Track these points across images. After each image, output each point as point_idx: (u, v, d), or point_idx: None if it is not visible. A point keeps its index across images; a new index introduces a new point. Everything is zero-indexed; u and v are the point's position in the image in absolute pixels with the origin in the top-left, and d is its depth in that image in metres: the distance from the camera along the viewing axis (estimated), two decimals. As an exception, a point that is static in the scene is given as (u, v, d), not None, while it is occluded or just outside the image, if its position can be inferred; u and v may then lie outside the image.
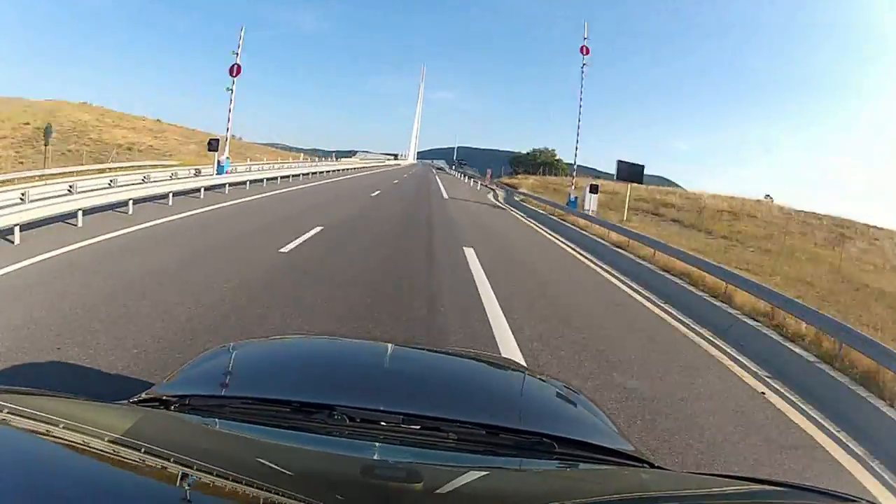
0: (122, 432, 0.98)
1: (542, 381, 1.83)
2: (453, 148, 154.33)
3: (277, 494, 0.80)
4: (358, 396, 1.26)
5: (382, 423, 1.15)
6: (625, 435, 1.42)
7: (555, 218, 19.14)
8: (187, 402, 1.18)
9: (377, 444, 1.12)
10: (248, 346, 1.87)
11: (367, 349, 1.95)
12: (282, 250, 8.13)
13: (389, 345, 1.84)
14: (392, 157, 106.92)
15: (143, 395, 1.25)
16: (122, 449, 0.90)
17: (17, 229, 7.15)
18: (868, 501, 1.15)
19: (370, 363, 1.67)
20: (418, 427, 1.15)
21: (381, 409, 1.18)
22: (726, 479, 1.37)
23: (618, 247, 12.66)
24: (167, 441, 1.03)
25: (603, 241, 13.48)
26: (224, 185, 16.45)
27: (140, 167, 20.49)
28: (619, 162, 21.71)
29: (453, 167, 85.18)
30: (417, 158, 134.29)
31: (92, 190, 10.01)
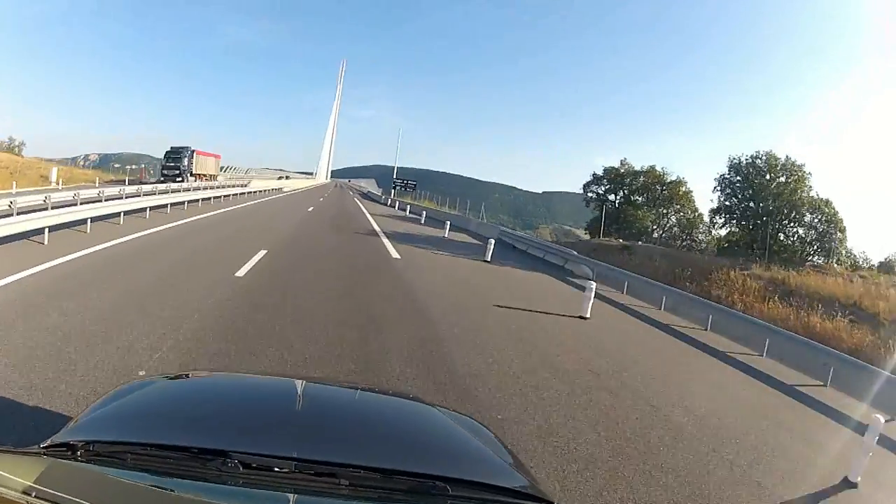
0: (23, 489, 0.99)
1: (447, 416, 1.78)
2: (389, 167, 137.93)
3: None
4: (256, 440, 1.27)
5: (276, 470, 1.15)
6: (528, 472, 1.46)
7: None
8: (92, 448, 1.19)
9: (268, 492, 1.13)
10: (158, 383, 1.84)
11: (276, 387, 1.91)
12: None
13: (300, 381, 1.88)
14: (305, 176, 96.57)
15: (51, 441, 1.25)
16: None
17: None
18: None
19: (275, 403, 1.64)
20: (312, 473, 1.16)
21: (277, 454, 1.18)
22: None
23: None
24: (69, 496, 1.01)
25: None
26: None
27: None
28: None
29: (392, 192, 58.40)
30: (332, 177, 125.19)
31: None
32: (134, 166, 53.65)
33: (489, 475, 1.28)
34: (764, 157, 24.75)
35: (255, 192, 37.35)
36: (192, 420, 1.40)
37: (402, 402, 1.99)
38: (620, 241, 26.40)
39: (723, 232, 27.32)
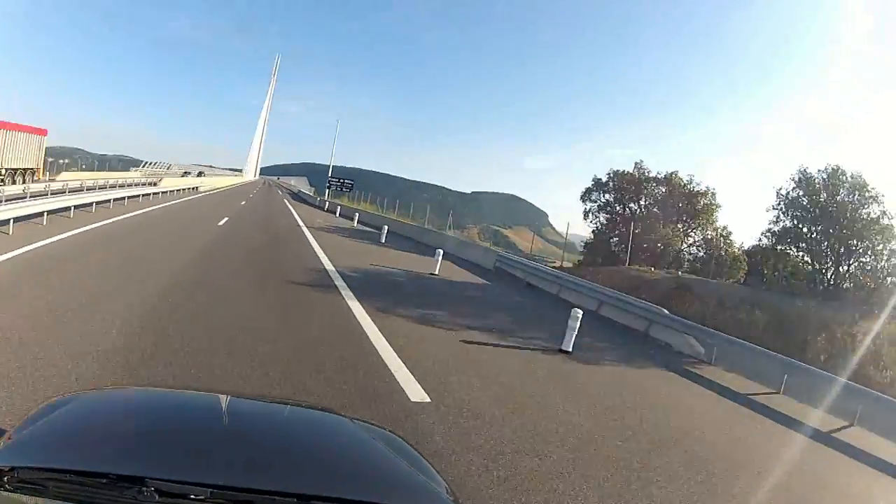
0: None
1: (362, 430, 1.76)
2: (318, 165, 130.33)
3: None
4: (174, 465, 1.24)
5: (192, 498, 1.13)
6: (446, 485, 1.44)
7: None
8: (17, 474, 1.16)
9: None
10: (85, 399, 1.76)
11: (197, 404, 1.83)
12: None
13: (221, 397, 1.86)
14: (234, 172, 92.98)
15: None
16: None
17: None
18: None
19: (196, 423, 1.59)
20: (228, 501, 1.15)
21: (194, 480, 1.16)
22: None
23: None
24: None
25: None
26: None
27: None
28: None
29: (326, 192, 51.83)
30: (261, 174, 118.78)
31: None
32: None
33: (408, 496, 1.33)
34: (827, 172, 19.01)
35: (159, 193, 28.53)
36: (113, 443, 1.35)
37: (319, 417, 1.94)
38: (672, 272, 19.71)
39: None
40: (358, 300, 8.74)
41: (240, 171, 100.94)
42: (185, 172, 56.97)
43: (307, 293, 9.04)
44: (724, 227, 25.11)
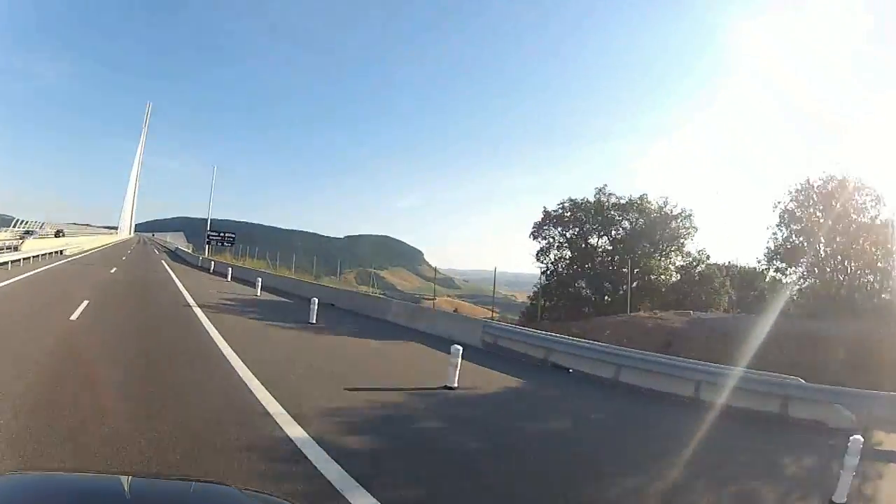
0: None
1: (255, 501, 1.82)
2: (192, 219, 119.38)
3: None
4: None
5: None
6: None
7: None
8: None
9: None
10: None
11: (93, 488, 1.80)
12: None
13: (112, 481, 1.99)
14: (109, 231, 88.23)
15: None
16: None
17: None
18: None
19: None
20: None
21: None
22: None
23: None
24: None
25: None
26: None
27: None
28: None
29: (207, 248, 46.14)
30: (136, 231, 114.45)
31: None
32: None
33: None
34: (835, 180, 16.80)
35: (20, 260, 24.28)
36: None
37: (214, 494, 1.90)
38: (684, 313, 15.96)
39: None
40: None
41: (115, 228, 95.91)
42: (58, 231, 50.62)
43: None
44: (702, 251, 22.47)
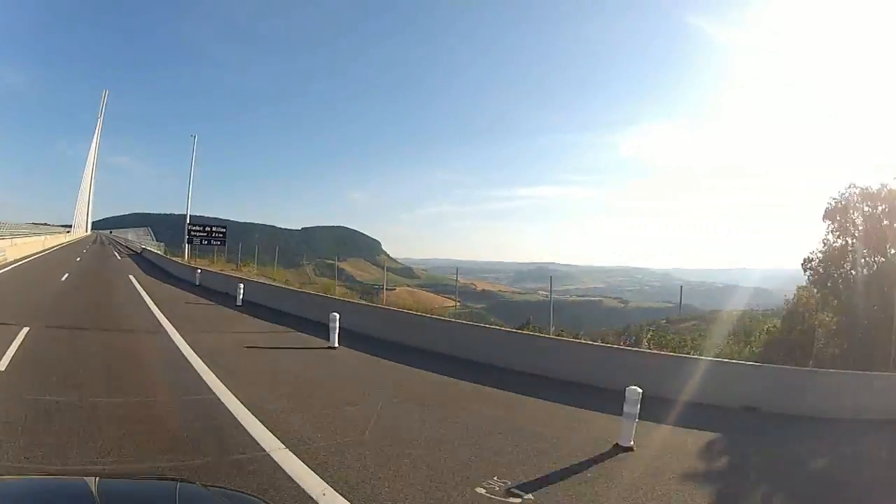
0: None
1: (222, 498, 1.83)
2: (148, 214, 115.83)
3: None
4: None
5: None
6: None
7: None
8: None
9: None
10: None
11: (64, 491, 1.80)
12: None
13: (86, 481, 1.96)
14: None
15: None
16: None
17: None
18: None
19: None
20: None
21: None
22: None
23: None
24: None
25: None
26: None
27: None
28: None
29: (187, 248, 36.23)
30: (93, 229, 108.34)
31: None
32: None
33: None
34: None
35: None
36: None
37: (174, 491, 1.91)
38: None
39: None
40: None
41: (70, 227, 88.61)
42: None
43: None
44: None
